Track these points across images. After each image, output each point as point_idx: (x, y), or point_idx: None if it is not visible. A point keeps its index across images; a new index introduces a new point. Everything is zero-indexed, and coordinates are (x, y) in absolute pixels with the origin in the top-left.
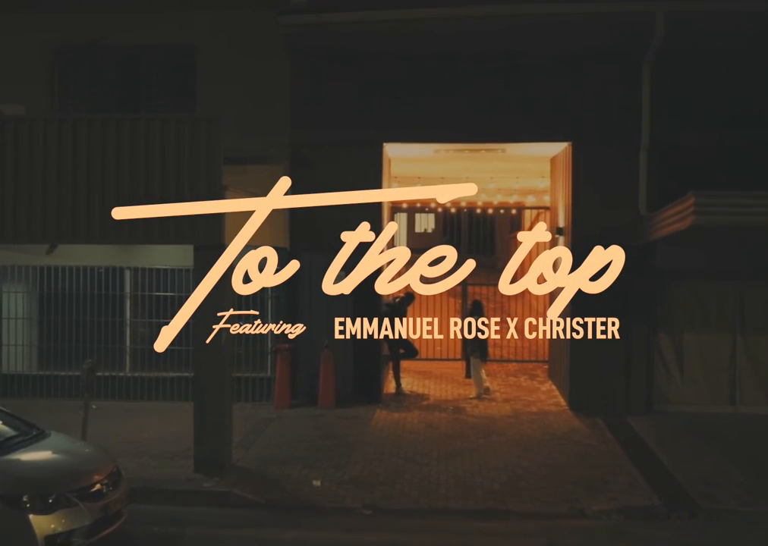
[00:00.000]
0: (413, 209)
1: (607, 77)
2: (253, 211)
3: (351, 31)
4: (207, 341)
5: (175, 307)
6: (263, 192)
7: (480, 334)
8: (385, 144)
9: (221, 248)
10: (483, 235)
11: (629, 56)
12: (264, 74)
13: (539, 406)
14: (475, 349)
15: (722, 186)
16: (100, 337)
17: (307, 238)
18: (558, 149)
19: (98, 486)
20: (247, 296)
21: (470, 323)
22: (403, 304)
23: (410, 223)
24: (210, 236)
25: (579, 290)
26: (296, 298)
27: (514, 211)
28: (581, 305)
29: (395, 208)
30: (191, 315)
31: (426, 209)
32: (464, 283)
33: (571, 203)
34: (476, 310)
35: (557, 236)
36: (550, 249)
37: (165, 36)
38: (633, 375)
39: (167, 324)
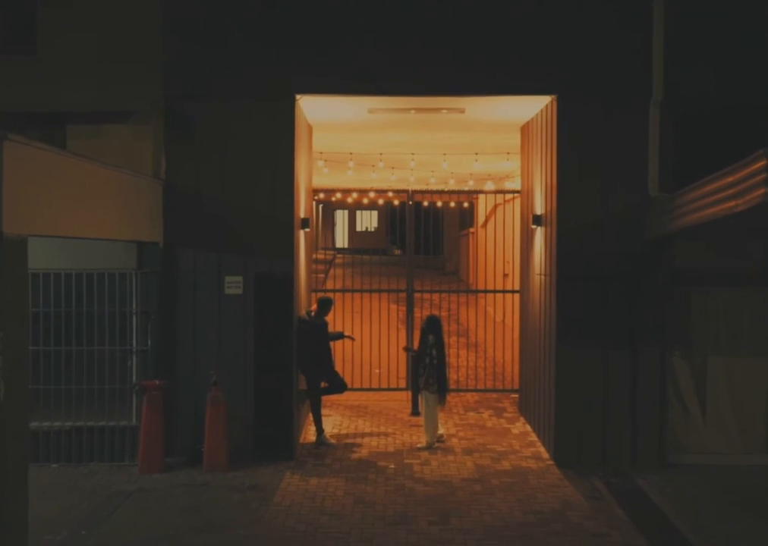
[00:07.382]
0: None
1: (606, 9)
2: (81, 182)
3: None
4: None
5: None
6: (124, 161)
7: (435, 359)
8: (298, 97)
9: None
10: (430, 233)
11: None
12: None
13: (514, 459)
14: (430, 382)
15: None
16: None
17: (191, 229)
18: (534, 110)
19: None
20: (103, 311)
21: (424, 346)
22: (319, 316)
23: (352, 221)
24: None
25: (569, 298)
26: (173, 313)
27: (466, 205)
28: (572, 318)
29: (322, 200)
30: None
31: (366, 202)
32: (409, 289)
33: (555, 182)
34: (432, 328)
35: (534, 226)
36: (528, 241)
37: None
38: (640, 414)
39: None
